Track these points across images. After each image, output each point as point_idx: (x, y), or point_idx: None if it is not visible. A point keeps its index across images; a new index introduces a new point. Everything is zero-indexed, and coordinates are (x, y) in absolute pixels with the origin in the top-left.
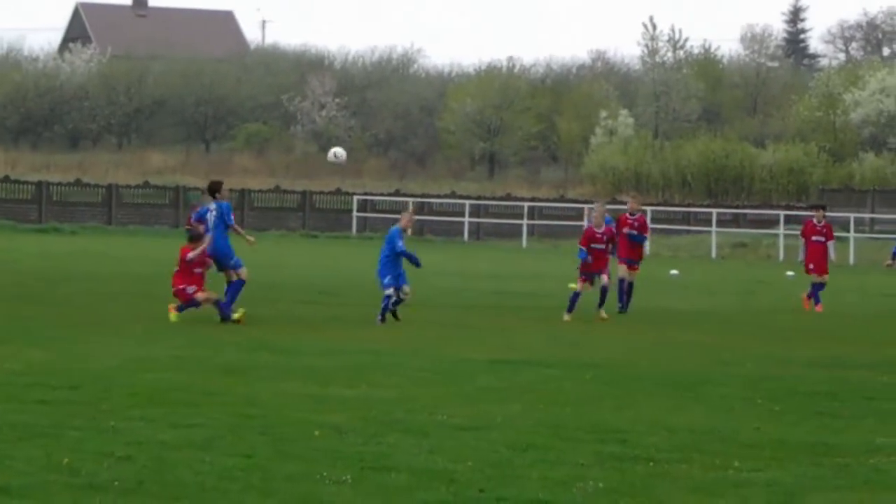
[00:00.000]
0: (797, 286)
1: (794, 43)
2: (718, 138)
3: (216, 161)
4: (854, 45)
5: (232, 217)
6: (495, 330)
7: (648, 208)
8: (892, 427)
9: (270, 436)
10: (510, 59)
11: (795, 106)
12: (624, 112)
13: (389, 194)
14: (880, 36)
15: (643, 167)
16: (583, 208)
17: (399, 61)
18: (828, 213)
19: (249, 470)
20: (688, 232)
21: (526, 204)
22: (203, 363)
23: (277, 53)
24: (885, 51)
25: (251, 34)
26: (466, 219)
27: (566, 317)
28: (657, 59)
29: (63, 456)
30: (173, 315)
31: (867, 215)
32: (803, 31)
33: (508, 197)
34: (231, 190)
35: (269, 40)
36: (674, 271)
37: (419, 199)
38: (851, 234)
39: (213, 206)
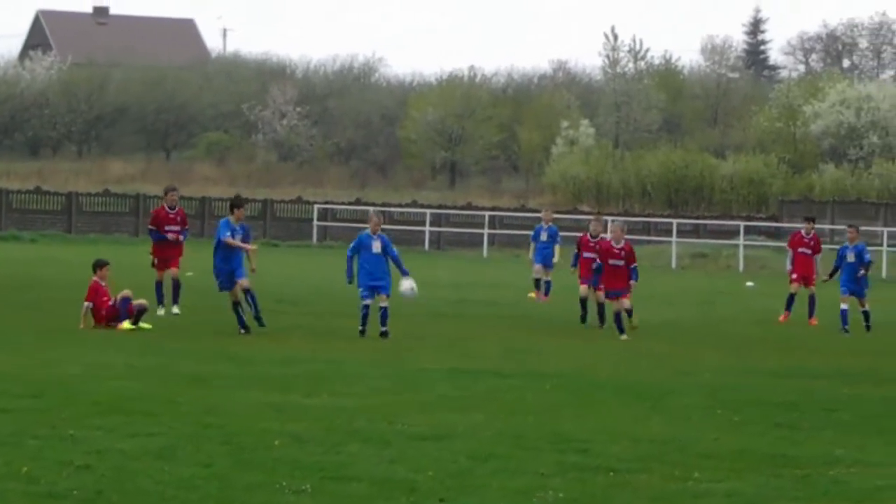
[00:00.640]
0: (757, 297)
1: (755, 54)
2: (679, 149)
3: (177, 170)
4: (814, 56)
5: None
6: (455, 339)
7: (609, 218)
8: (852, 439)
9: (230, 445)
10: (471, 68)
11: (755, 117)
12: (585, 122)
13: (350, 203)
14: (840, 48)
15: (604, 177)
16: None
17: (360, 70)
18: (786, 225)
19: (209, 479)
20: (648, 242)
21: (487, 213)
22: (162, 372)
23: (239, 62)
24: (845, 62)
25: (212, 42)
26: (427, 228)
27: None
28: (618, 69)
29: (22, 465)
30: (127, 325)
31: (826, 226)
32: (763, 42)
33: (469, 206)
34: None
35: (230, 48)
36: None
37: (380, 208)
38: None
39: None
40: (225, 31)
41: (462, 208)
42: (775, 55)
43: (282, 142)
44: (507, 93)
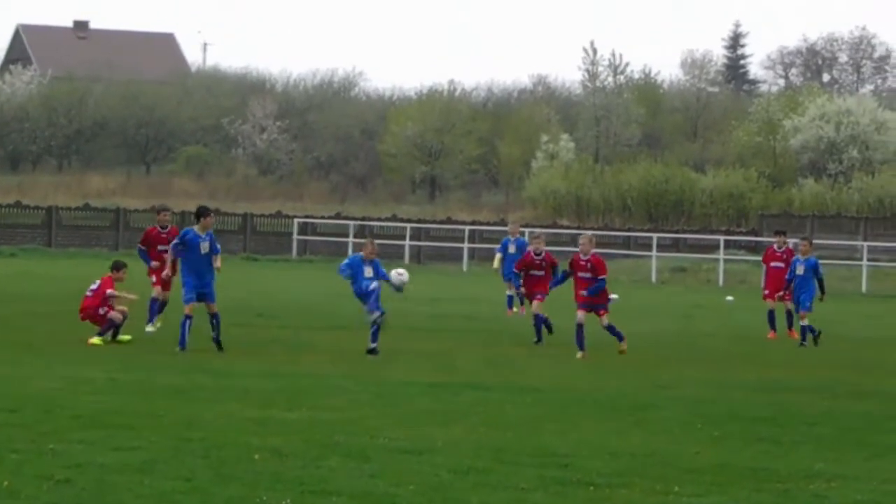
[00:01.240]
0: (736, 311)
1: (735, 68)
2: (659, 163)
3: (156, 184)
4: (794, 71)
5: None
6: (435, 353)
7: (589, 232)
8: (832, 453)
9: (210, 459)
10: (451, 82)
11: (735, 131)
12: (565, 136)
13: (330, 217)
14: (820, 62)
15: (584, 191)
16: (524, 231)
17: (340, 84)
18: (766, 239)
19: (189, 493)
20: (627, 256)
21: (467, 227)
22: (141, 385)
23: (218, 76)
24: (825, 77)
25: (192, 57)
26: (407, 242)
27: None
28: (598, 83)
29: (3, 479)
30: (97, 340)
31: None
32: (743, 56)
33: (449, 220)
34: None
35: (210, 63)
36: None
37: (360, 223)
38: None
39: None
40: (205, 45)
41: (442, 222)
42: (755, 69)
43: (261, 156)
44: (487, 107)
